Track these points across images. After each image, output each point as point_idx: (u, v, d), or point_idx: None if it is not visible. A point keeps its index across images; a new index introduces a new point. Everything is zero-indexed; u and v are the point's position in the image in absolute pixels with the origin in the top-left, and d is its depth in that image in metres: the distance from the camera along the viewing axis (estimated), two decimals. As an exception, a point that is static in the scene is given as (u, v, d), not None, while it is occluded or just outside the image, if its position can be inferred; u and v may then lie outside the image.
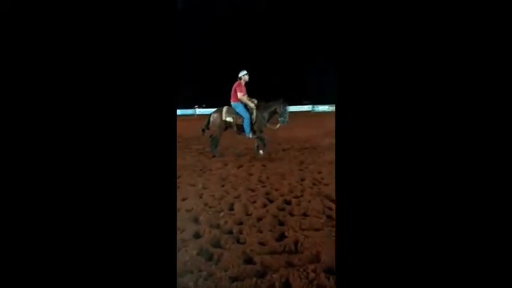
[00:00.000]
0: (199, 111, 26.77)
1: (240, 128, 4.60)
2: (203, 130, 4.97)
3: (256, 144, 4.82)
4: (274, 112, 4.56)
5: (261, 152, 4.65)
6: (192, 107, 28.66)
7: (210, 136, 4.92)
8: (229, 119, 4.63)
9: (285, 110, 4.51)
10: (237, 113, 4.58)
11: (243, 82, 4.60)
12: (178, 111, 30.56)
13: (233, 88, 4.61)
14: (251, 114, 4.54)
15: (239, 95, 4.53)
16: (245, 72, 4.61)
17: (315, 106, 31.04)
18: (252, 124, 4.54)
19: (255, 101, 4.66)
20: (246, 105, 4.57)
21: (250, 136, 4.57)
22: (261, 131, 4.64)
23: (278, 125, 4.61)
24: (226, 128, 4.78)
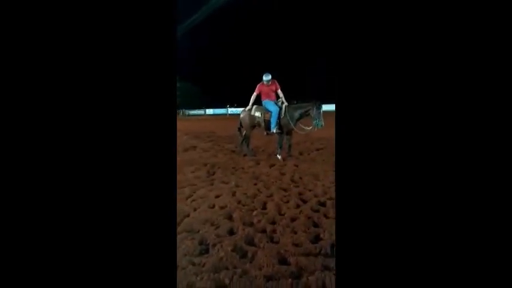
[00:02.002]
0: (231, 110, 27.26)
1: (268, 125, 4.54)
2: (239, 129, 5.03)
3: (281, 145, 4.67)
4: (307, 114, 4.33)
5: (278, 156, 4.46)
6: (224, 106, 29.28)
7: (242, 135, 4.96)
8: (257, 113, 4.63)
9: (319, 112, 4.22)
10: (267, 109, 4.56)
11: (265, 84, 4.59)
12: (211, 111, 31.44)
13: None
14: (280, 109, 4.47)
15: (254, 94, 4.63)
16: (265, 77, 4.56)
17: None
18: (279, 119, 4.44)
19: (281, 96, 4.59)
20: (275, 102, 4.53)
21: (274, 131, 4.47)
22: (288, 132, 4.49)
23: (310, 128, 4.40)
24: (254, 126, 4.77)
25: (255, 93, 4.63)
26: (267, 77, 4.56)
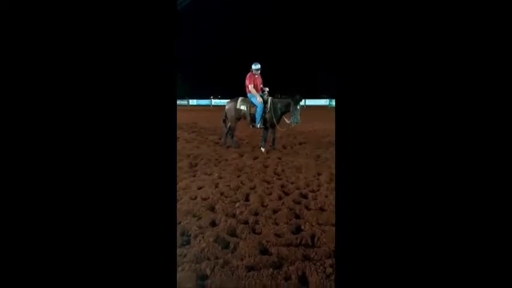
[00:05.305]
0: (215, 101, 26.94)
1: (253, 118, 4.53)
2: (224, 121, 4.98)
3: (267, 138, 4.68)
4: (289, 109, 4.34)
5: (262, 149, 4.48)
6: (208, 97, 28.86)
7: (227, 127, 4.92)
8: (243, 107, 4.60)
9: (296, 108, 4.24)
10: (252, 103, 4.53)
11: (254, 74, 4.52)
12: (195, 101, 30.89)
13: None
14: (265, 103, 4.45)
15: (249, 86, 4.50)
16: (255, 66, 4.50)
17: (332, 100, 30.48)
18: (264, 113, 4.44)
19: (266, 90, 4.57)
20: (261, 96, 4.50)
21: (258, 126, 4.49)
22: (272, 126, 4.51)
23: (288, 122, 4.41)
24: (239, 118, 4.76)
25: (252, 85, 4.47)
26: (256, 66, 4.48)
